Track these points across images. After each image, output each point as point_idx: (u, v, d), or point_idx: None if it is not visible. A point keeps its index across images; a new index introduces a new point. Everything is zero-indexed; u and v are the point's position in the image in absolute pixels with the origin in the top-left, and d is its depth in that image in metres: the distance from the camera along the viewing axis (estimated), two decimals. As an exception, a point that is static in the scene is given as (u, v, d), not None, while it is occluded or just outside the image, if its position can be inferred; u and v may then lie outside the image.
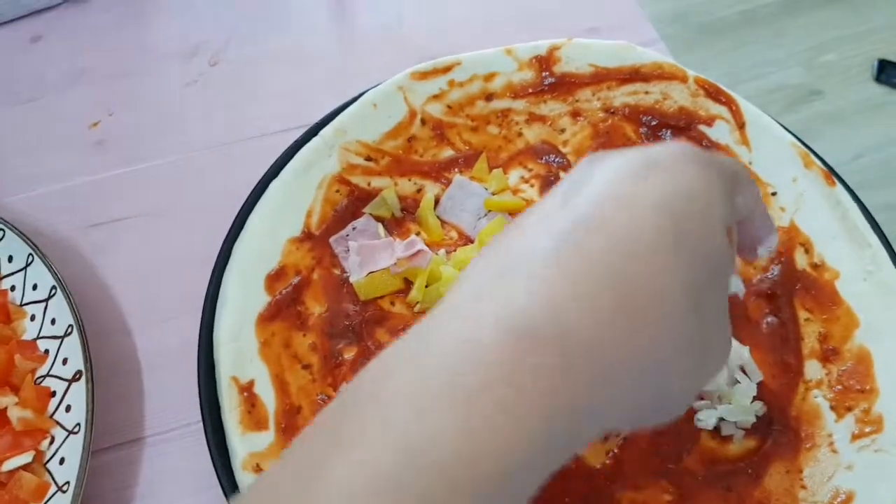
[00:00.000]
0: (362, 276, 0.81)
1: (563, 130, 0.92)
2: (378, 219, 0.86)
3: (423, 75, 0.91)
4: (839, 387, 0.73)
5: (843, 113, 1.31)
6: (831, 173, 0.83)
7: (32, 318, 0.80)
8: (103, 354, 0.79)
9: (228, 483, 0.67)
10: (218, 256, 0.80)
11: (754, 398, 0.72)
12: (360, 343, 0.77)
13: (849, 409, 0.71)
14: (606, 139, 0.91)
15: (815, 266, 0.80)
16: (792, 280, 0.80)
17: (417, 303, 0.79)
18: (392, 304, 0.81)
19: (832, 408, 0.72)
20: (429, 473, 0.35)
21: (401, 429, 0.36)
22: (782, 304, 0.79)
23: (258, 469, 0.67)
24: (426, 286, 0.79)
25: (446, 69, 0.92)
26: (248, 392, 0.72)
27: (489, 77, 0.93)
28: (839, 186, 0.82)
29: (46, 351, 0.78)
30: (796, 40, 1.35)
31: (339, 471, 0.35)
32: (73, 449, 0.70)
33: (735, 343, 0.75)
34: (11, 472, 0.71)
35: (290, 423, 0.71)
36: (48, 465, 0.71)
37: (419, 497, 0.34)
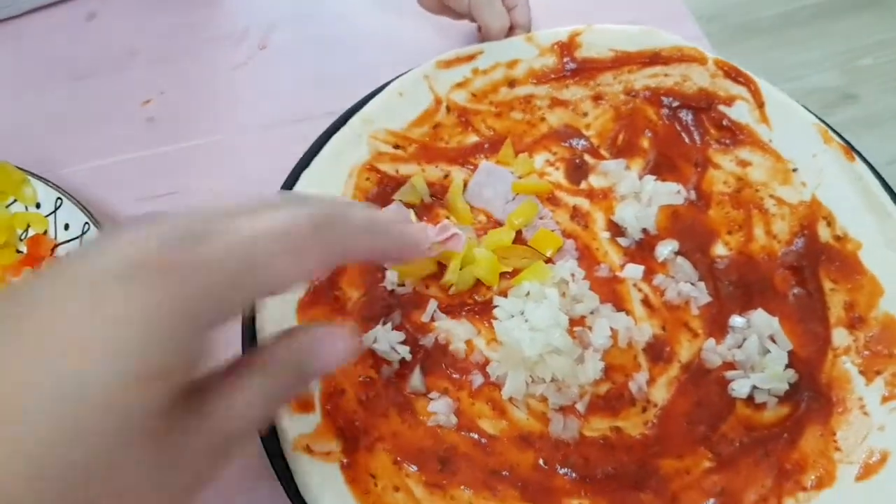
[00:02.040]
0: (397, 260, 0.81)
1: (585, 114, 0.93)
2: (408, 205, 0.86)
3: (448, 64, 0.92)
4: (867, 352, 0.74)
5: (878, 117, 1.29)
6: (850, 149, 0.84)
7: None
8: None
9: (281, 466, 0.68)
10: (256, 245, 0.80)
11: (785, 367, 0.73)
12: (398, 326, 0.78)
13: (878, 373, 0.72)
14: (629, 121, 0.92)
15: (837, 238, 0.81)
16: (816, 252, 0.81)
17: (452, 285, 0.80)
18: (427, 287, 0.81)
19: (861, 372, 0.73)
20: None
21: None
22: (808, 276, 0.80)
23: (308, 450, 0.68)
24: (460, 269, 0.80)
25: (470, 57, 0.93)
26: (293, 375, 0.72)
27: (511, 64, 0.94)
28: (858, 161, 0.83)
29: None
30: (833, 43, 1.34)
31: None
32: None
33: (764, 314, 0.77)
34: None
35: (335, 405, 0.72)
36: None
37: None
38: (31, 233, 0.87)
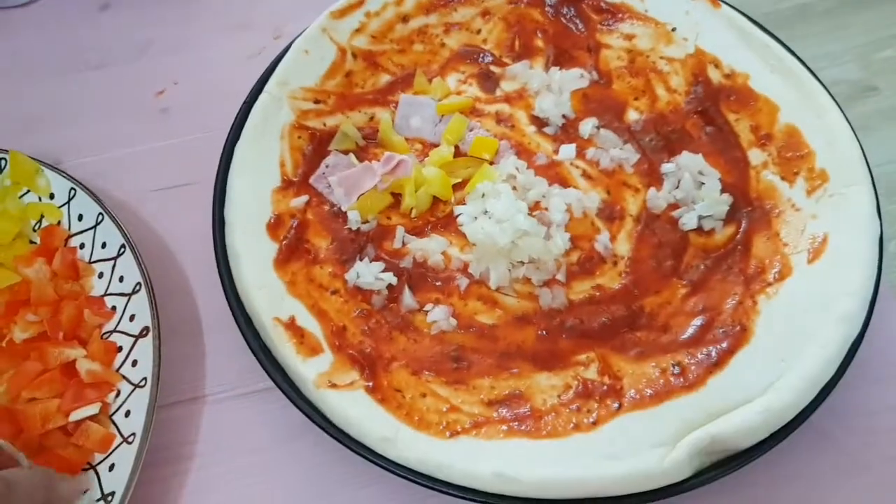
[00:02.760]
0: (353, 201, 0.83)
1: (478, 31, 0.97)
2: (345, 152, 0.88)
3: (341, 13, 0.93)
4: (781, 161, 0.82)
5: None
6: (716, -2, 0.92)
7: (101, 275, 0.80)
8: (165, 313, 0.78)
9: (307, 405, 0.69)
10: (213, 223, 0.79)
11: (720, 192, 0.81)
12: (375, 258, 0.79)
13: (796, 174, 0.80)
14: (519, 27, 0.96)
15: (727, 76, 0.89)
16: (713, 93, 0.88)
17: (412, 208, 0.82)
18: (389, 217, 0.83)
19: (782, 178, 0.81)
20: None
21: None
22: (713, 114, 0.87)
23: (333, 385, 0.69)
24: (416, 192, 0.82)
25: (360, 3, 0.94)
26: (292, 326, 0.73)
27: (399, 1, 0.96)
28: (724, 6, 0.91)
29: (114, 307, 0.77)
30: (853, 35, 1.29)
31: None
32: (138, 402, 0.70)
33: (689, 154, 0.83)
34: (78, 423, 0.70)
35: (342, 342, 0.73)
36: (114, 417, 0.71)
37: None
38: (44, 223, 0.84)
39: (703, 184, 0.82)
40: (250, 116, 0.86)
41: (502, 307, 0.76)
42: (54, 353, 0.73)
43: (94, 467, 0.69)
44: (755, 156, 0.84)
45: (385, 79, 0.93)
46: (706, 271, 0.77)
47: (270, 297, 0.74)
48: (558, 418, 0.67)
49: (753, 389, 0.66)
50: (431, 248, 0.79)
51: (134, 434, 0.68)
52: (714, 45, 0.90)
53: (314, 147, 0.87)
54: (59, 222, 0.84)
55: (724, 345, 0.70)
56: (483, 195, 0.81)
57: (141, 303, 0.75)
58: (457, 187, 0.84)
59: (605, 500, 0.62)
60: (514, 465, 0.63)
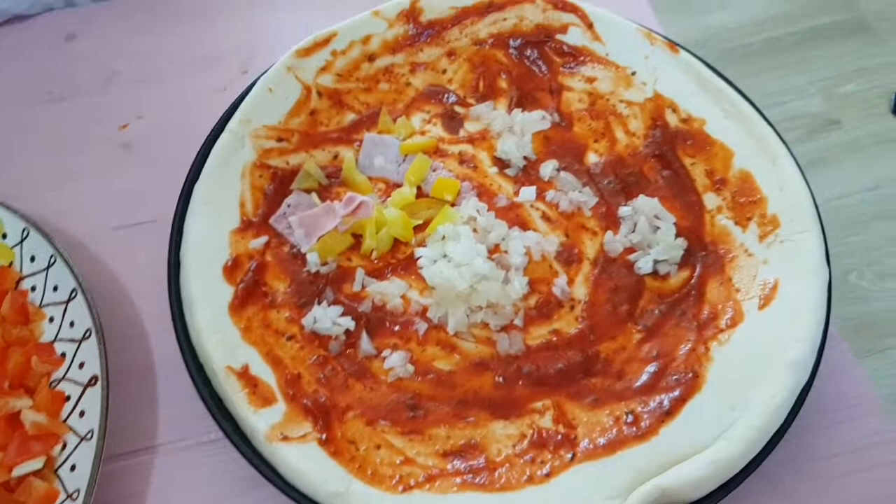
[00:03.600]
0: (313, 243, 0.81)
1: (444, 71, 0.96)
2: (307, 191, 0.86)
3: (307, 52, 0.91)
4: (735, 206, 0.81)
5: (860, 143, 1.29)
6: (673, 44, 0.92)
7: (51, 319, 0.76)
8: (118, 359, 0.75)
9: (257, 458, 0.66)
10: (168, 266, 0.77)
11: (675, 236, 0.80)
12: (333, 302, 0.77)
13: (749, 219, 0.80)
14: (484, 68, 0.95)
15: (684, 120, 0.88)
16: (671, 137, 0.88)
17: (373, 250, 0.80)
18: (349, 259, 0.81)
19: (736, 223, 0.80)
20: None
21: None
22: (670, 159, 0.86)
23: (285, 438, 0.66)
24: (376, 233, 0.81)
25: (326, 41, 0.92)
26: (245, 375, 0.70)
27: (366, 40, 0.94)
28: (682, 52, 0.91)
29: (63, 354, 0.74)
30: (817, 69, 1.34)
31: None
32: (84, 456, 0.66)
33: (645, 198, 0.82)
34: (21, 478, 0.66)
35: (296, 391, 0.71)
36: (59, 472, 0.67)
37: None
38: None
39: (658, 228, 0.81)
40: (211, 155, 0.84)
41: (460, 352, 0.74)
42: (-1, 404, 0.69)
43: (36, 526, 0.65)
44: (710, 200, 0.83)
45: (350, 117, 0.91)
46: (660, 317, 0.76)
47: (224, 345, 0.72)
48: (512, 470, 0.66)
49: (705, 439, 0.65)
50: (391, 291, 0.78)
51: (78, 491, 0.64)
52: (672, 90, 0.90)
53: (276, 186, 0.85)
54: (10, 263, 0.79)
55: (677, 392, 0.69)
56: (443, 238, 0.79)
57: (91, 350, 0.71)
58: (418, 229, 0.83)
59: (556, 556, 0.61)
60: (465, 520, 0.61)
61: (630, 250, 0.81)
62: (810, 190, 0.79)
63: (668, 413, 0.68)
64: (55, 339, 0.75)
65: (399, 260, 0.81)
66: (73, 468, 0.66)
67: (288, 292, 0.78)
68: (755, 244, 0.78)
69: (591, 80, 0.94)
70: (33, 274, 0.79)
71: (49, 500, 0.65)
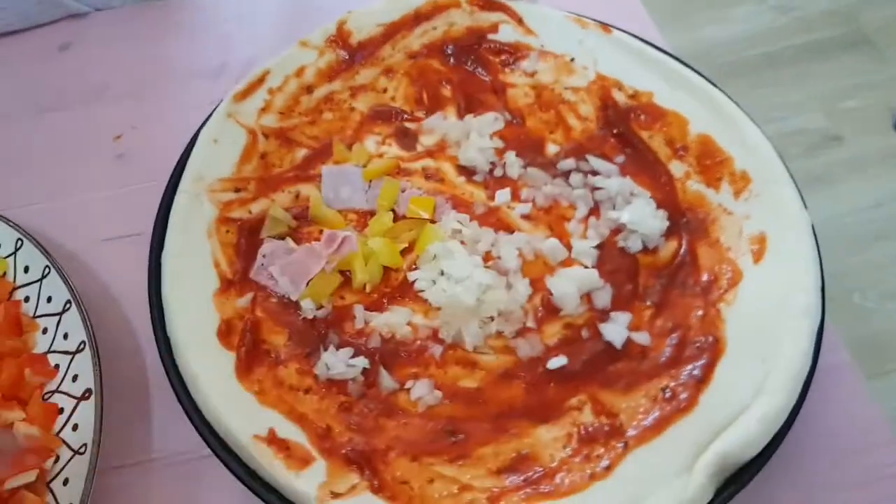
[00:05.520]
0: (302, 289, 0.77)
1: (385, 90, 0.94)
2: (279, 237, 0.81)
3: (243, 95, 0.87)
4: (703, 169, 0.84)
5: (862, 160, 1.24)
6: (605, 24, 0.94)
7: (45, 331, 0.75)
8: (112, 371, 0.72)
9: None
10: (157, 344, 0.71)
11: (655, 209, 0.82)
12: (339, 345, 0.74)
13: (719, 179, 0.83)
14: (423, 80, 0.94)
15: (632, 96, 0.91)
16: (623, 115, 0.90)
17: (365, 283, 0.77)
18: (342, 297, 0.78)
19: (707, 185, 0.83)
20: None
21: None
22: (628, 136, 0.89)
23: (336, 495, 0.63)
24: (365, 265, 0.78)
25: (260, 81, 0.89)
26: (275, 441, 0.66)
27: (299, 72, 0.91)
28: (615, 31, 0.94)
29: (57, 366, 0.72)
30: (817, 84, 1.31)
31: None
32: (77, 470, 0.65)
33: (617, 178, 0.84)
34: (13, 491, 0.64)
35: (331, 444, 0.67)
36: (51, 485, 0.66)
37: None
38: None
39: (632, 201, 0.82)
40: (171, 221, 0.78)
41: (483, 367, 0.73)
42: (-9, 416, 0.67)
43: (28, 541, 0.62)
44: (676, 168, 0.86)
45: (301, 153, 0.88)
46: (663, 290, 0.78)
47: (243, 414, 0.67)
48: (572, 472, 0.65)
49: (744, 396, 0.66)
50: (396, 321, 0.75)
51: None
52: (613, 69, 0.92)
53: (245, 239, 0.80)
54: (3, 274, 0.78)
55: (704, 359, 0.70)
56: (434, 257, 0.78)
57: (85, 363, 0.70)
58: (404, 252, 0.80)
59: (640, 545, 0.61)
60: (545, 532, 0.60)
61: (615, 231, 0.82)
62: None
63: (702, 380, 0.69)
64: (48, 351, 0.74)
65: (393, 287, 0.79)
66: (65, 482, 0.65)
67: (289, 345, 0.74)
68: (731, 202, 0.81)
69: (531, 73, 0.95)
70: (27, 284, 0.78)
71: (42, 514, 0.63)
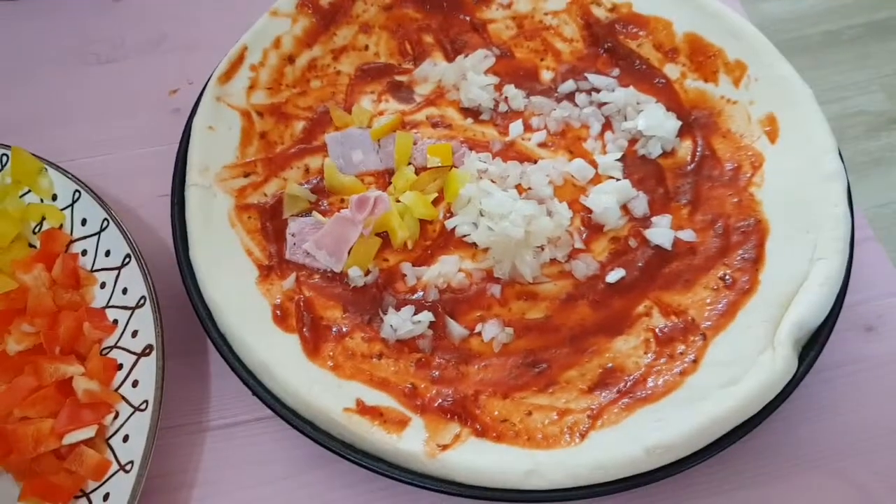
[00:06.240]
0: (345, 259, 0.74)
1: (366, 47, 0.91)
2: (303, 214, 0.78)
3: (227, 76, 0.83)
4: (697, 67, 0.86)
5: None
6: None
7: (103, 285, 0.72)
8: (170, 330, 0.70)
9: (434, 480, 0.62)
10: (214, 344, 0.68)
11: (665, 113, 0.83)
12: (397, 305, 0.72)
13: (715, 72, 0.84)
14: (403, 30, 0.92)
15: (611, 9, 0.91)
16: (607, 29, 0.90)
17: (406, 240, 0.76)
18: (386, 259, 0.76)
19: (706, 81, 0.85)
20: None
21: None
22: (617, 49, 0.89)
23: (444, 447, 0.62)
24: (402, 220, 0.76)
25: (240, 58, 0.84)
26: (366, 410, 0.64)
27: (277, 43, 0.87)
28: (579, -51, 0.93)
29: (115, 321, 0.70)
30: (880, 64, 1.24)
31: None
32: (138, 427, 0.63)
33: (621, 90, 0.85)
34: (72, 446, 0.63)
35: (421, 401, 0.66)
36: (111, 442, 0.64)
37: None
38: (45, 226, 0.76)
39: (644, 111, 0.83)
40: (189, 219, 0.74)
41: (545, 296, 0.73)
42: (50, 369, 0.65)
43: (87, 495, 0.62)
44: (671, 70, 0.87)
45: (300, 126, 0.85)
46: (693, 186, 0.79)
47: (327, 391, 0.65)
48: (661, 374, 0.66)
49: (801, 267, 0.69)
50: (447, 270, 0.74)
51: (132, 462, 0.61)
52: (588, -14, 0.92)
53: (269, 222, 0.77)
54: (60, 226, 0.75)
55: (752, 241, 0.73)
56: (469, 200, 0.77)
57: (145, 318, 0.68)
58: (435, 202, 0.79)
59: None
60: (658, 432, 0.61)
61: (633, 142, 0.83)
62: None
63: (756, 261, 0.71)
64: (107, 306, 0.71)
65: (433, 239, 0.77)
66: (125, 439, 0.64)
67: (347, 315, 0.72)
68: (733, 91, 0.83)
69: (507, 5, 0.94)
70: (84, 237, 0.75)
71: (100, 470, 0.62)
